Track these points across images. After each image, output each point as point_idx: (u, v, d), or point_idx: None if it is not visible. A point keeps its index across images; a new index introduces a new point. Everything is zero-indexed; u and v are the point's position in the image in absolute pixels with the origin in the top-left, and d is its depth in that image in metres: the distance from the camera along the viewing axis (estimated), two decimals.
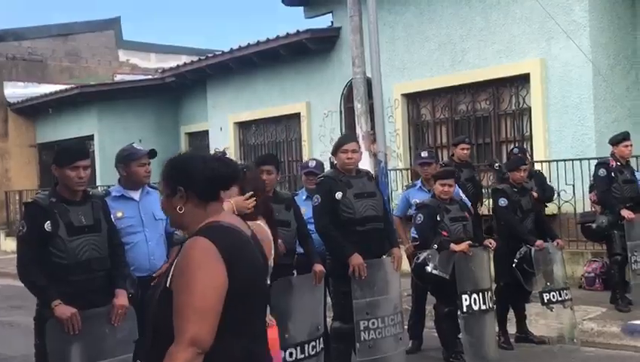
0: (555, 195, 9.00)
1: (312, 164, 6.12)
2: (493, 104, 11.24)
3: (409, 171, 12.03)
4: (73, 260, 3.97)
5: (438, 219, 5.85)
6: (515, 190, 6.60)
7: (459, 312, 5.83)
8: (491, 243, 6.06)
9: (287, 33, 13.53)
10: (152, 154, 4.73)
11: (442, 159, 11.95)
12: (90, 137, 18.02)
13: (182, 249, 2.24)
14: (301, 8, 14.39)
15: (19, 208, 18.08)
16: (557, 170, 9.34)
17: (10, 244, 17.35)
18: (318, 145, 13.90)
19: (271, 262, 3.47)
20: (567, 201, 9.16)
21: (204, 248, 2.19)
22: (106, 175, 16.22)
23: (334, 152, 5.36)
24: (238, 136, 16.07)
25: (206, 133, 16.99)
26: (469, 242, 5.83)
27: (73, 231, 4.00)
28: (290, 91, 14.33)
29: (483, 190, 8.88)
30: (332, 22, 13.80)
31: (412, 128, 12.41)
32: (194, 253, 2.20)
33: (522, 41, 10.59)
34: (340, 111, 13.52)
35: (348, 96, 13.33)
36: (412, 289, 6.57)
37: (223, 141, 16.08)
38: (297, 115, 14.42)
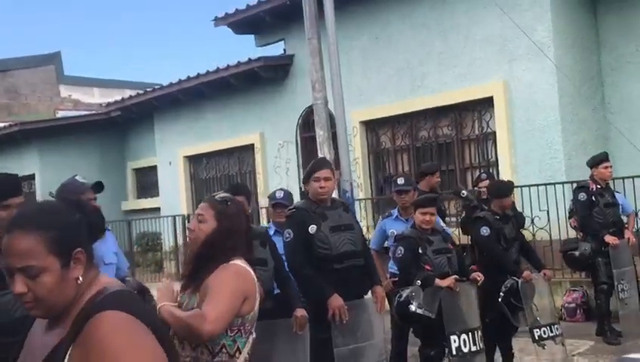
0: (529, 222, 8.58)
1: (280, 194, 5.51)
2: (455, 129, 10.84)
3: (371, 201, 11.56)
4: (6, 318, 3.27)
5: (420, 251, 5.30)
6: (497, 217, 6.11)
7: (446, 354, 5.27)
8: (479, 276, 5.51)
9: (239, 62, 13.00)
10: (98, 187, 4.08)
11: None
12: (32, 176, 17.09)
13: (86, 334, 1.64)
14: (252, 37, 13.90)
15: None
16: (529, 195, 8.91)
17: None
18: (273, 177, 13.32)
19: (256, 308, 2.87)
20: (541, 228, 8.73)
21: (125, 324, 1.65)
22: None
23: (306, 180, 4.78)
24: (188, 170, 15.39)
25: (154, 168, 16.27)
26: (456, 276, 5.28)
27: (5, 283, 3.29)
28: (243, 122, 13.75)
29: (447, 219, 8.41)
30: (284, 49, 13.32)
31: (372, 156, 11.93)
32: (115, 332, 1.63)
33: (484, 63, 10.24)
34: (296, 142, 12.97)
35: (303, 126, 12.85)
36: (392, 330, 5.98)
37: (173, 176, 15.39)
38: (251, 147, 13.83)
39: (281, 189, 5.77)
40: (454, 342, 5.16)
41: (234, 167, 14.50)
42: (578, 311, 8.05)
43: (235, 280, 2.78)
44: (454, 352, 5.17)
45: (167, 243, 14.12)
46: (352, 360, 4.52)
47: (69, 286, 1.72)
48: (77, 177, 4.11)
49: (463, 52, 10.46)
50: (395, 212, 6.24)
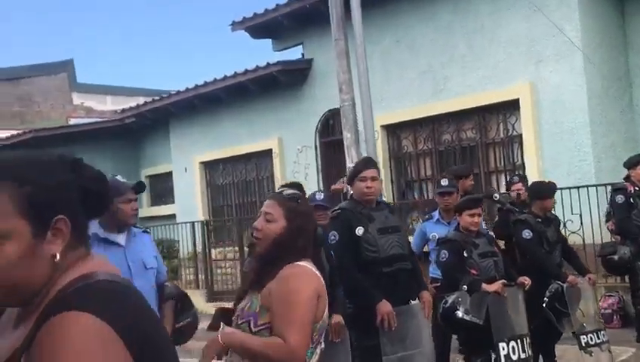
0: (561, 226, 8.37)
1: (320, 196, 5.29)
2: (479, 133, 10.65)
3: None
4: None
5: (465, 255, 5.10)
6: (539, 220, 5.91)
7: None
8: (526, 280, 5.30)
9: (257, 66, 12.84)
10: (140, 187, 3.91)
11: (428, 193, 11.39)
12: None
13: (36, 341, 1.22)
14: (268, 41, 13.75)
15: None
16: (561, 198, 8.66)
17: None
18: None
19: (325, 316, 2.67)
20: (574, 232, 8.51)
21: (93, 336, 1.20)
22: None
23: (351, 181, 4.60)
24: (204, 177, 15.22)
25: (169, 174, 16.11)
26: (504, 281, 5.07)
27: None
28: (261, 127, 13.57)
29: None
30: (303, 54, 13.16)
31: (393, 161, 11.74)
32: (77, 347, 1.18)
33: (509, 65, 10.05)
34: (315, 147, 12.79)
35: (322, 130, 12.68)
36: (433, 337, 5.76)
37: (189, 182, 15.23)
38: (269, 152, 13.65)
39: (321, 191, 5.58)
40: (503, 349, 4.95)
41: (251, 173, 14.32)
42: (615, 317, 7.84)
43: (307, 282, 2.59)
44: (503, 360, 4.95)
45: (185, 250, 13.94)
46: None
47: (40, 263, 1.29)
48: (117, 177, 3.94)
49: (487, 54, 10.27)
50: (435, 214, 6.05)
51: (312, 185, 12.52)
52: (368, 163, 4.64)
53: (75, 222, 1.33)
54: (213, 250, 13.10)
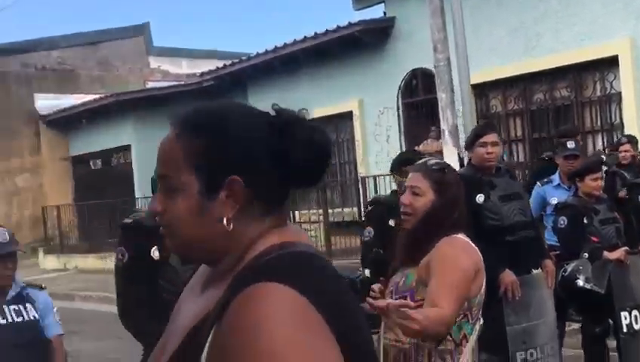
0: None
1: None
2: (574, 91, 10.24)
3: None
4: None
5: (586, 222, 4.88)
6: None
7: (610, 331, 4.87)
8: None
9: (338, 26, 12.62)
10: None
11: (518, 154, 11.08)
12: (127, 147, 17.24)
13: (229, 312, 1.10)
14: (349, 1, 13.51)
15: (56, 223, 17.36)
16: None
17: (51, 262, 16.70)
18: (373, 145, 12.98)
19: (483, 290, 2.56)
20: None
21: (293, 311, 1.07)
22: (145, 186, 15.41)
23: (469, 146, 4.42)
24: None
25: None
26: (626, 248, 4.84)
27: None
28: (341, 89, 13.37)
29: None
30: (384, 12, 12.87)
31: (481, 122, 11.40)
32: (275, 323, 1.05)
33: (607, 21, 9.58)
34: (397, 108, 12.56)
35: (405, 91, 12.44)
36: None
37: None
38: (349, 114, 13.48)
39: (433, 156, 5.41)
40: (625, 318, 4.75)
41: (331, 135, 14.12)
42: None
43: (465, 254, 2.48)
44: (625, 329, 4.76)
45: None
46: (526, 338, 4.17)
47: (208, 225, 1.20)
48: None
49: (582, 9, 9.83)
50: (556, 178, 5.78)
51: (393, 147, 12.33)
52: (488, 127, 4.45)
53: (262, 187, 1.21)
54: (297, 213, 13.12)
